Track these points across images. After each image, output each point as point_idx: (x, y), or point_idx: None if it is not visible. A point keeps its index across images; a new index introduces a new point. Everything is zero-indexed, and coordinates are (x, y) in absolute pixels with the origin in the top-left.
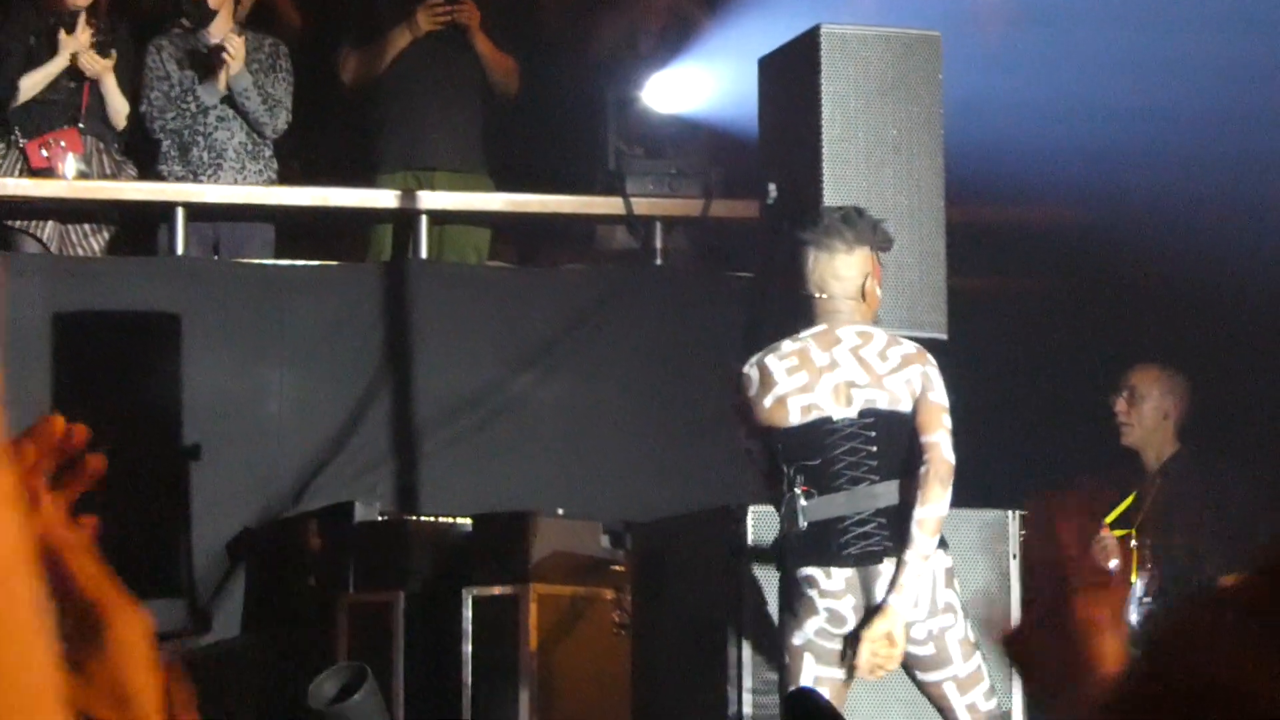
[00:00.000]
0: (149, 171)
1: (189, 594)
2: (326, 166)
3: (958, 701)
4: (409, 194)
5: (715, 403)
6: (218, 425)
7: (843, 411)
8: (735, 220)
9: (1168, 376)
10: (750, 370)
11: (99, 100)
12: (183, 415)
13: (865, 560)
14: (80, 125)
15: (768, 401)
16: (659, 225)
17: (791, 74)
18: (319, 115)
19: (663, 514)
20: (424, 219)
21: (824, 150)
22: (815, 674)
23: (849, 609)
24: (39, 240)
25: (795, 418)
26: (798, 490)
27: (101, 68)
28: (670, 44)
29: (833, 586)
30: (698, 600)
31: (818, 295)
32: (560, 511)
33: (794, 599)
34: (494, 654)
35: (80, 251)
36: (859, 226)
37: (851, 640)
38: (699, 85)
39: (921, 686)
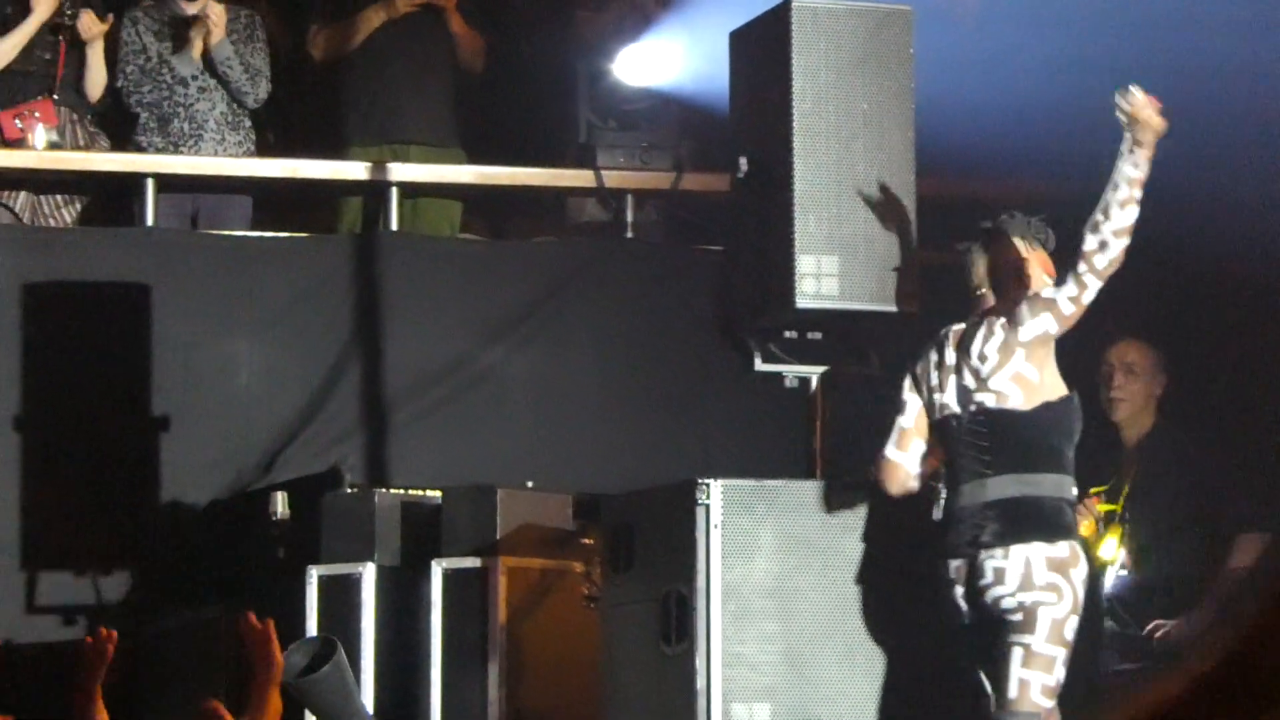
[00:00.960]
0: (128, 142)
1: (158, 565)
2: (303, 139)
3: (1015, 670)
4: (379, 166)
5: (685, 376)
6: (187, 396)
7: (963, 409)
8: (706, 193)
9: (1155, 353)
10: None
11: (74, 72)
12: (152, 386)
13: (968, 551)
14: (54, 96)
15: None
16: (630, 198)
17: (763, 47)
18: (296, 87)
19: (632, 487)
20: (394, 191)
21: (795, 124)
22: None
23: (960, 598)
24: (11, 211)
25: (936, 414)
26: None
27: (99, 31)
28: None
29: (951, 576)
30: (664, 572)
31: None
32: (530, 484)
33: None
34: (463, 627)
35: (52, 222)
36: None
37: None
38: (670, 58)
39: (993, 657)
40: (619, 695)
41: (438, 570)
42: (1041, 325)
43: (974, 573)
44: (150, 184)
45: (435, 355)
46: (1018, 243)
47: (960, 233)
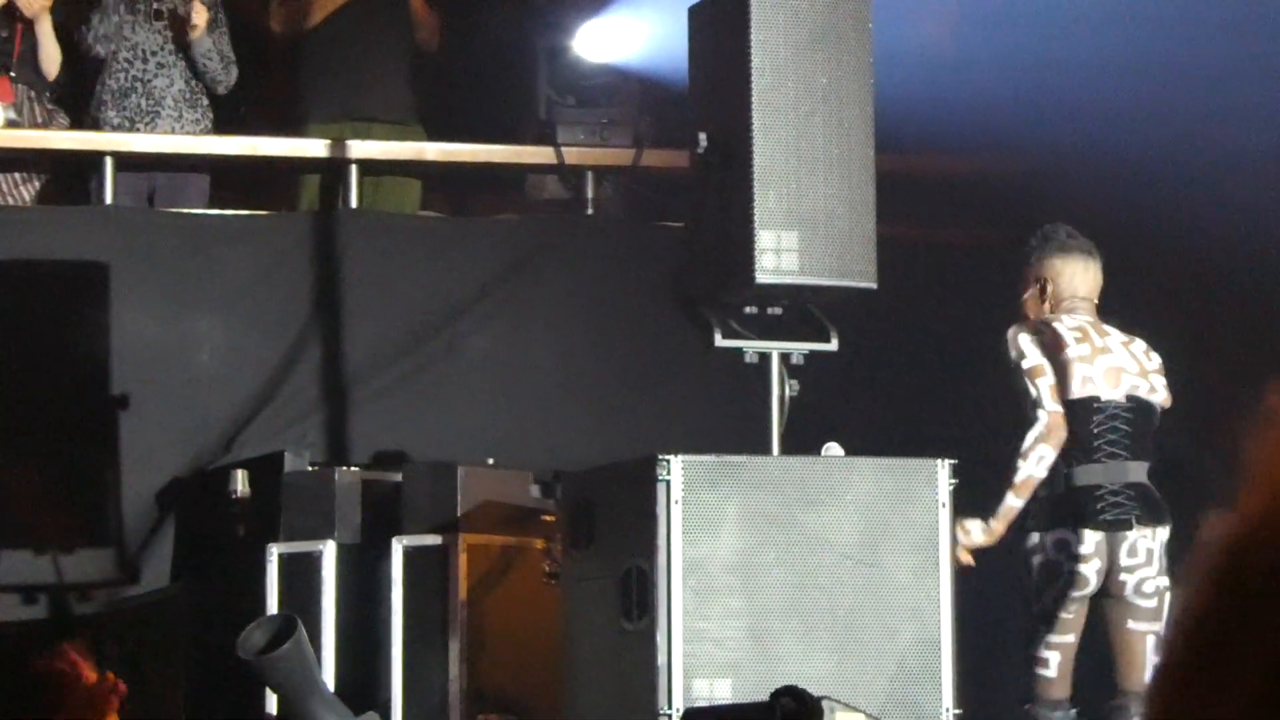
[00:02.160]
0: (85, 119)
1: (118, 544)
2: (266, 116)
3: (1149, 655)
4: (338, 143)
5: (646, 352)
6: (147, 375)
7: (1110, 393)
8: (666, 170)
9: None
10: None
11: (31, 49)
12: (112, 365)
13: (1116, 526)
14: (11, 74)
15: (1058, 360)
16: (590, 175)
17: (721, 23)
18: (260, 64)
19: (593, 463)
20: (354, 169)
21: (754, 99)
22: (1048, 639)
23: (1093, 572)
24: None
25: (1076, 380)
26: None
27: (40, 7)
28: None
29: (1084, 550)
30: (625, 548)
31: (1080, 296)
32: (490, 461)
33: (1038, 567)
34: (424, 604)
35: (10, 201)
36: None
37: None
38: (630, 34)
39: (1120, 634)
40: (580, 671)
41: (398, 548)
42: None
43: (1116, 549)
44: (109, 162)
45: (395, 333)
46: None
47: (920, 208)
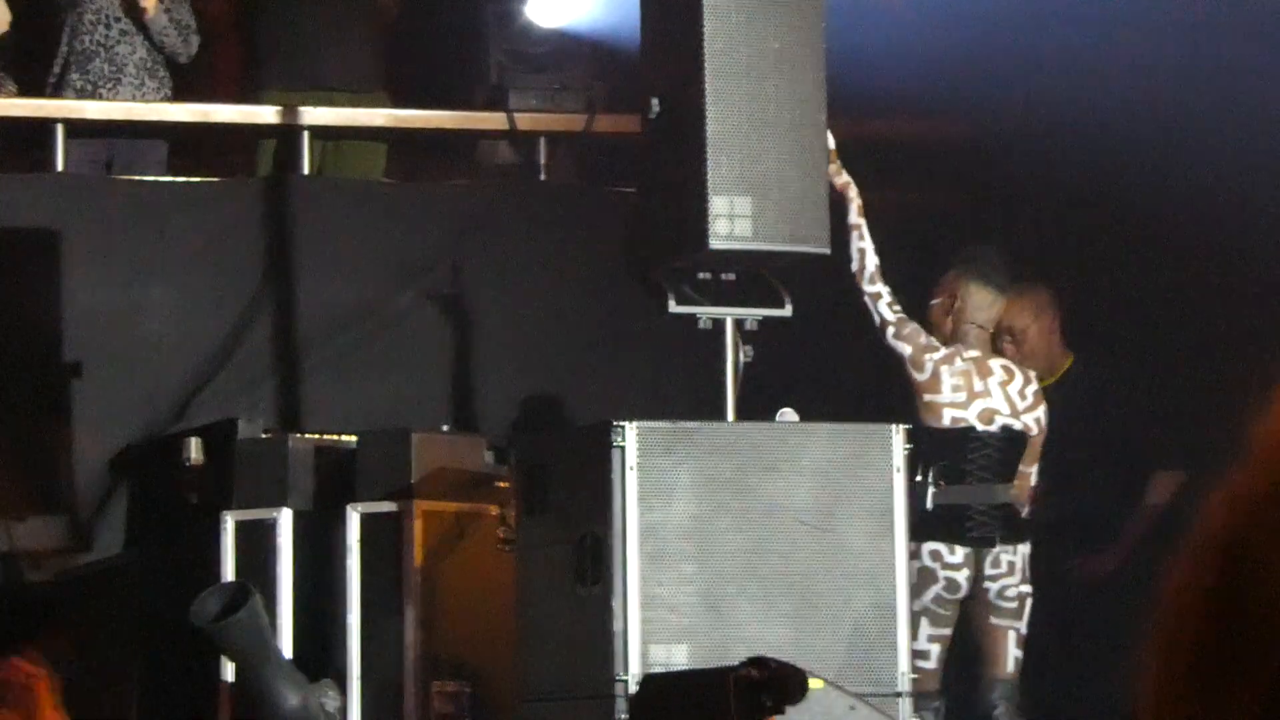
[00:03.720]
0: (41, 83)
1: (71, 512)
2: (225, 84)
3: (1011, 649)
4: (291, 110)
5: (600, 318)
6: (99, 342)
7: (984, 427)
8: (619, 135)
9: (1032, 299)
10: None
11: None
12: (64, 332)
13: (981, 543)
14: None
15: (926, 397)
16: (542, 140)
17: None
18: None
19: (547, 430)
20: (306, 135)
21: (706, 64)
22: (928, 634)
23: (964, 578)
24: None
25: (946, 421)
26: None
27: None
28: None
29: (955, 560)
30: (580, 514)
31: (978, 324)
32: (444, 428)
33: (916, 572)
34: (379, 570)
35: None
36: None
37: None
38: None
39: (986, 631)
40: (536, 638)
41: (353, 514)
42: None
43: (982, 560)
44: (60, 129)
45: (348, 299)
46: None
47: (874, 172)
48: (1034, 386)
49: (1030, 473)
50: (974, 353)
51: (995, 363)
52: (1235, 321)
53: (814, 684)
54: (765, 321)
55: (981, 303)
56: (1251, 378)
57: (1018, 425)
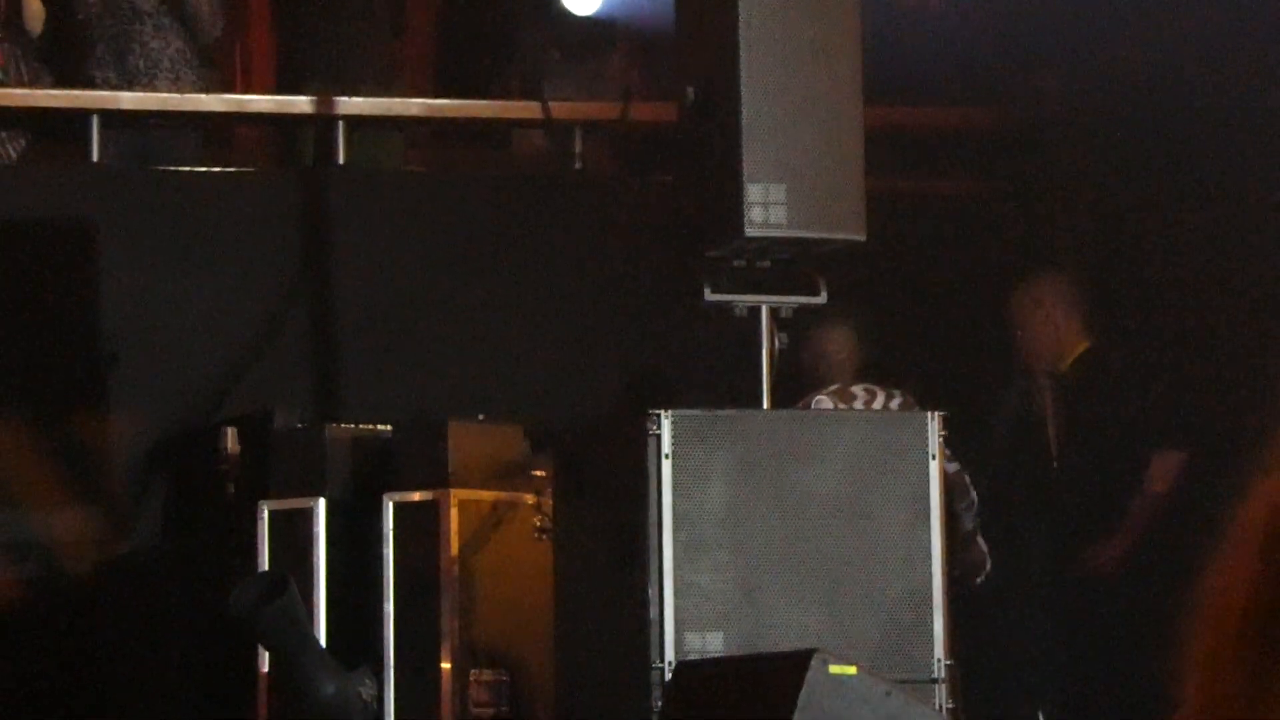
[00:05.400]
0: (79, 77)
1: (108, 502)
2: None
3: None
4: (325, 100)
5: (635, 307)
6: (136, 333)
7: None
8: (654, 123)
9: (1033, 290)
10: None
11: (15, 8)
12: (101, 323)
13: None
14: None
15: None
16: (578, 129)
17: None
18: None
19: (583, 419)
20: (341, 125)
21: (741, 51)
22: None
23: None
24: None
25: None
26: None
27: None
28: None
29: None
30: (617, 502)
31: (830, 363)
32: (480, 417)
33: None
34: (415, 560)
35: None
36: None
37: None
38: None
39: None
40: (572, 626)
41: (389, 503)
42: None
43: None
44: (95, 120)
45: (385, 288)
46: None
47: (909, 160)
48: (899, 400)
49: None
50: (834, 385)
51: (857, 388)
52: (1238, 302)
53: (848, 671)
54: (800, 309)
55: (831, 346)
56: (1252, 358)
57: None
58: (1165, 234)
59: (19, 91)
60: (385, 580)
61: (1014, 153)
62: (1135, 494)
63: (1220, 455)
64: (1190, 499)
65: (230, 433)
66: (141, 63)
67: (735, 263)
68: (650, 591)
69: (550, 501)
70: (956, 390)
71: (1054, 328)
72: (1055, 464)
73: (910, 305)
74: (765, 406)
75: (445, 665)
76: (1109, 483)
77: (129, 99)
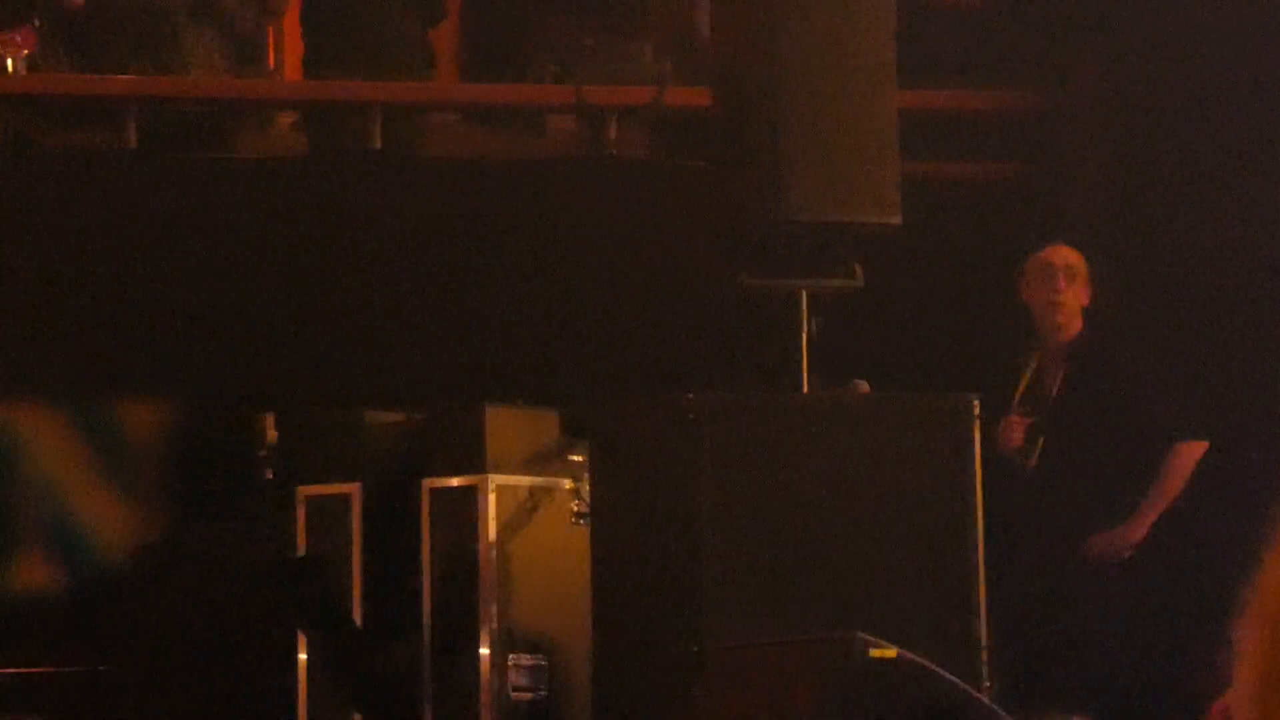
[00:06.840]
0: (112, 66)
1: (145, 489)
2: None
3: None
4: (362, 85)
5: (671, 291)
6: (174, 319)
7: None
8: (689, 108)
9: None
10: None
11: None
12: (139, 309)
13: None
14: (34, 21)
15: None
16: (611, 114)
17: None
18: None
19: (618, 402)
20: (378, 111)
21: (777, 34)
22: None
23: None
24: None
25: None
26: None
27: None
28: None
29: None
30: (653, 486)
31: None
32: (517, 402)
33: None
34: (452, 545)
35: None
36: None
37: None
38: None
39: None
40: (610, 610)
41: (426, 489)
42: None
43: None
44: (133, 106)
45: (421, 274)
46: None
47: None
48: None
49: None
50: None
51: None
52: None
53: (889, 654)
54: (836, 292)
55: None
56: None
57: None
58: (1193, 217)
59: (56, 77)
60: (422, 566)
61: (1049, 136)
62: (1151, 482)
63: (1237, 449)
64: (1206, 489)
65: (268, 419)
66: (175, 54)
67: (771, 247)
68: (688, 575)
69: (587, 486)
70: (988, 374)
71: (1073, 300)
72: (1058, 446)
73: (947, 288)
74: (803, 389)
75: (484, 650)
76: (1118, 470)
77: (165, 85)
